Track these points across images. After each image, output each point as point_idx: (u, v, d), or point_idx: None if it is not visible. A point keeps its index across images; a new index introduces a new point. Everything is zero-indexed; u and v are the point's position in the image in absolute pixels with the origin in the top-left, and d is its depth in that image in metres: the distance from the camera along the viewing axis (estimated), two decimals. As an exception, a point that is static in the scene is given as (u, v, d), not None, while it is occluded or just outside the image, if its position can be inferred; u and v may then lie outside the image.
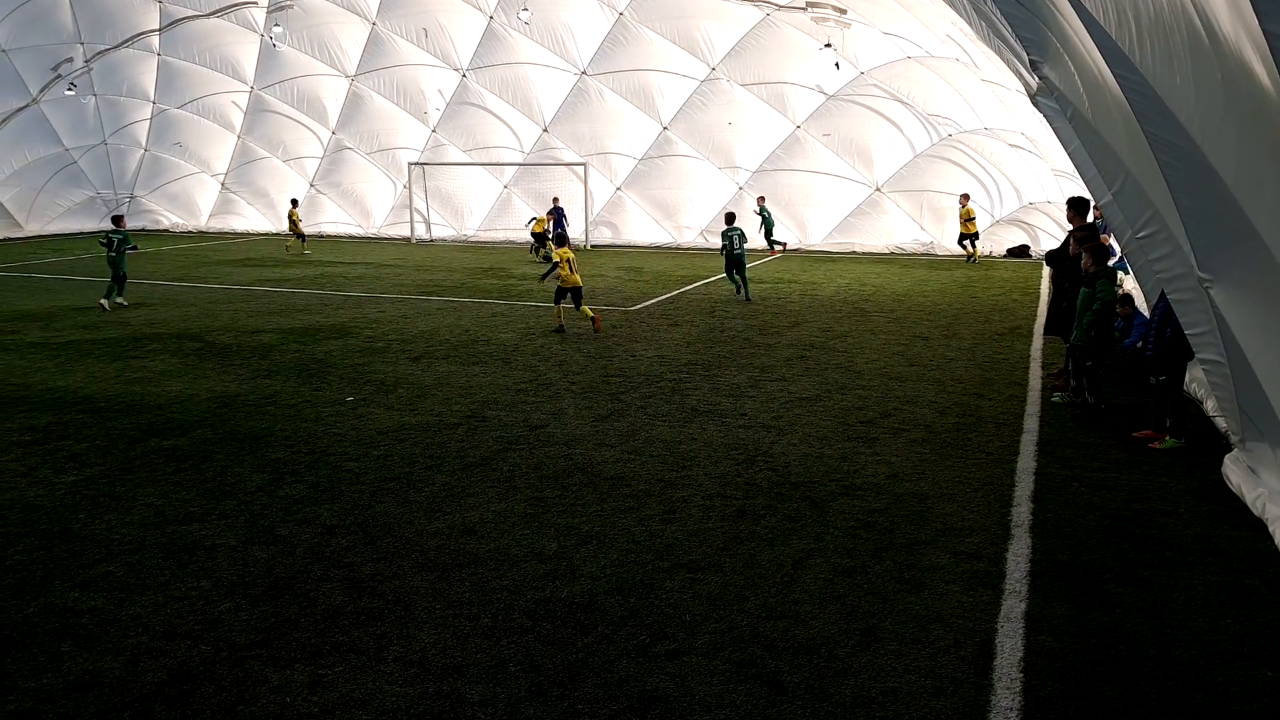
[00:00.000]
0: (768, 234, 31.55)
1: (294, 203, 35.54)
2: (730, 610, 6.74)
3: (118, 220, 22.81)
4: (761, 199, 31.78)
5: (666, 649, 6.21)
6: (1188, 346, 9.80)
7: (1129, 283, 15.70)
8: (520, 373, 14.28)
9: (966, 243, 29.09)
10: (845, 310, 20.14)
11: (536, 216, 32.63)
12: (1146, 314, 13.81)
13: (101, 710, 5.56)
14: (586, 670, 5.96)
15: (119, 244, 21.37)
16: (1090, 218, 13.00)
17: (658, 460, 10.15)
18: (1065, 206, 13.16)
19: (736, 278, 21.93)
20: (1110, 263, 12.69)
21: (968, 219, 28.96)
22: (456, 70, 35.07)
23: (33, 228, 40.96)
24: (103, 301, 21.02)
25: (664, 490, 9.21)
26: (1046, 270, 23.91)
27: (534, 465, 10.01)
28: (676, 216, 34.08)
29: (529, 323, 18.74)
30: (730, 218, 22.67)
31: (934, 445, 10.62)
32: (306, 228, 40.19)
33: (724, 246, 21.95)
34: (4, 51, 36.53)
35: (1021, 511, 8.58)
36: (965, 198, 29.20)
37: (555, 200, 33.96)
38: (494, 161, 36.54)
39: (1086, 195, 13.54)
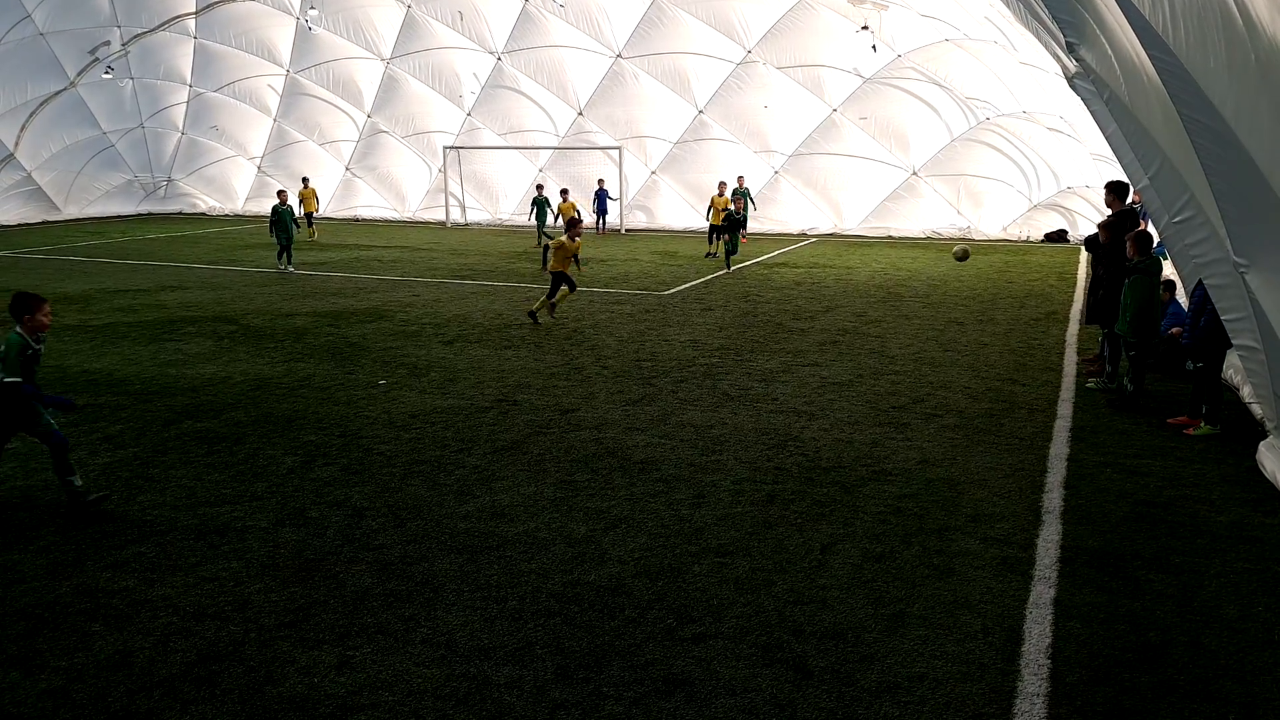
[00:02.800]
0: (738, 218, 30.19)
1: (304, 181, 34.81)
2: (758, 595, 6.74)
3: (281, 195, 25.57)
4: (740, 179, 30.87)
5: (693, 633, 6.22)
6: (1226, 334, 9.67)
7: (1167, 268, 15.50)
8: (552, 357, 14.31)
9: (725, 236, 24.96)
10: (879, 295, 20.02)
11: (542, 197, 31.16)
12: (1183, 299, 13.65)
13: (131, 690, 5.63)
14: (613, 653, 5.98)
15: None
16: (1129, 201, 12.79)
17: (688, 445, 10.14)
18: (1104, 190, 12.95)
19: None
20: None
21: (724, 209, 26.25)
22: (491, 53, 35.10)
23: (71, 211, 41.40)
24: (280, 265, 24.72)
25: (694, 475, 9.21)
26: (1084, 255, 23.70)
27: (564, 449, 10.04)
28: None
29: (561, 307, 18.74)
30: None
31: (966, 431, 10.55)
32: (342, 211, 40.47)
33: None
34: (42, 35, 36.86)
35: (1053, 498, 8.51)
36: (723, 185, 28.29)
37: (600, 182, 34.07)
38: (529, 145, 36.56)
39: (1126, 179, 13.35)
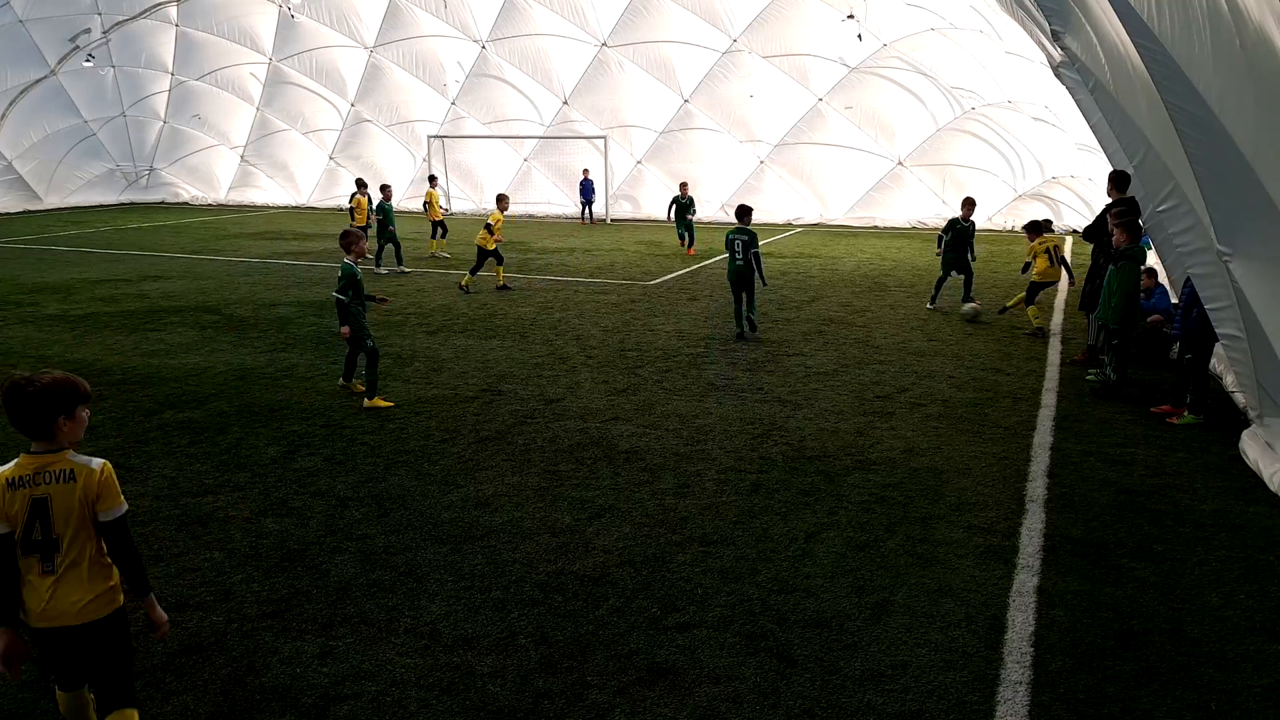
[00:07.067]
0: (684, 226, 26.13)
1: (432, 180, 27.51)
2: (742, 583, 6.73)
3: (384, 189, 23.66)
4: (684, 187, 27.19)
5: (677, 622, 6.20)
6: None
7: (1150, 257, 15.52)
8: (537, 347, 14.27)
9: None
10: (865, 285, 20.04)
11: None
12: (1167, 285, 13.67)
13: (114, 679, 5.59)
14: (597, 643, 5.96)
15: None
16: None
17: (673, 434, 10.13)
18: (1107, 181, 12.81)
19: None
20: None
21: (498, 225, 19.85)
22: (476, 42, 34.97)
23: (52, 200, 41.18)
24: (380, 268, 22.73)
25: (678, 464, 9.20)
26: (1069, 244, 23.74)
27: (549, 439, 10.01)
28: (696, 190, 33.85)
29: (546, 297, 18.73)
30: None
31: (950, 420, 10.57)
32: (326, 201, 40.29)
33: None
34: (22, 23, 36.59)
35: (1036, 486, 8.53)
36: (503, 200, 20.67)
37: (585, 172, 34.05)
38: (513, 134, 36.44)
39: (1126, 170, 13.25)
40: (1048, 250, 15.29)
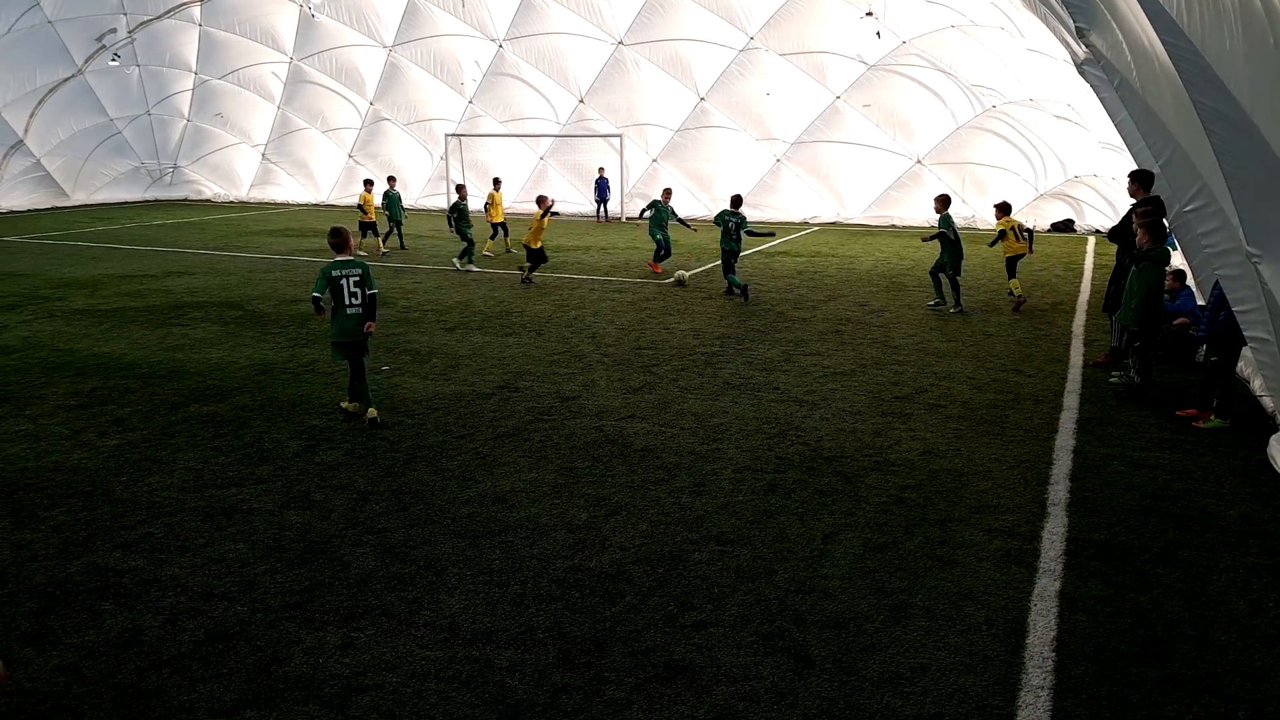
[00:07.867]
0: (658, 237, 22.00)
1: (496, 183, 27.44)
2: (759, 583, 6.70)
3: (460, 189, 24.32)
4: (667, 193, 23.07)
5: (694, 620, 6.19)
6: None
7: (1176, 258, 15.39)
8: (553, 344, 14.28)
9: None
10: (883, 284, 19.98)
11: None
12: (1193, 286, 13.54)
13: (140, 667, 5.63)
14: (614, 639, 5.96)
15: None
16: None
17: (689, 433, 10.11)
18: (1129, 180, 12.57)
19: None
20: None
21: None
22: (493, 41, 35.01)
23: (79, 197, 41.51)
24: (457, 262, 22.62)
25: (694, 463, 9.18)
26: (1091, 245, 23.57)
27: (565, 436, 10.01)
28: (712, 188, 33.87)
29: (563, 295, 18.73)
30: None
31: (971, 421, 10.50)
32: (346, 199, 40.40)
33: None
34: (50, 23, 36.86)
35: (1059, 490, 8.46)
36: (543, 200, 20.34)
37: (601, 170, 34.06)
38: (530, 133, 36.46)
39: (1147, 168, 13.09)
40: (1012, 229, 17.61)
